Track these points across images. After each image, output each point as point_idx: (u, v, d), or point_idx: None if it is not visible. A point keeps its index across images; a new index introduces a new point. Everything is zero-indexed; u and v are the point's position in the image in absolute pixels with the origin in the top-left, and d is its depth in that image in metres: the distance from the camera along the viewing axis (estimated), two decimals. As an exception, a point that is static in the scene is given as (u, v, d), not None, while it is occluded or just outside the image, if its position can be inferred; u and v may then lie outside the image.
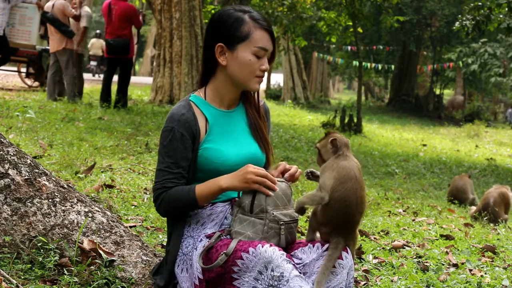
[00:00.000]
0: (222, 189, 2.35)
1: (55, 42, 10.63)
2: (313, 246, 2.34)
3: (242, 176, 2.31)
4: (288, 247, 2.34)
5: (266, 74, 2.52)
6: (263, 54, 2.41)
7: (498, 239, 4.59)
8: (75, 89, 10.91)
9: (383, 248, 3.85)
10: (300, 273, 2.23)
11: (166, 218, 2.52)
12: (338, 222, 2.29)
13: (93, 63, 24.92)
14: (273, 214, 2.30)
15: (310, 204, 2.35)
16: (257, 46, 2.39)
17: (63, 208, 2.72)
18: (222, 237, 2.35)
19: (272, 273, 2.15)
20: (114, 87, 10.90)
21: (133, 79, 11.95)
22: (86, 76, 18.63)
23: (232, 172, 2.35)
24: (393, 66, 26.70)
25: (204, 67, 2.49)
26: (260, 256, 2.17)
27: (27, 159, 2.81)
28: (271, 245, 2.20)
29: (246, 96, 2.57)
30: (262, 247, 2.18)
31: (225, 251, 2.24)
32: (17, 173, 2.71)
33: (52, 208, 2.70)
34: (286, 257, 2.20)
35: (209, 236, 2.37)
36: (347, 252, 2.32)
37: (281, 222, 2.30)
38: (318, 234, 2.39)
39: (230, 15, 2.41)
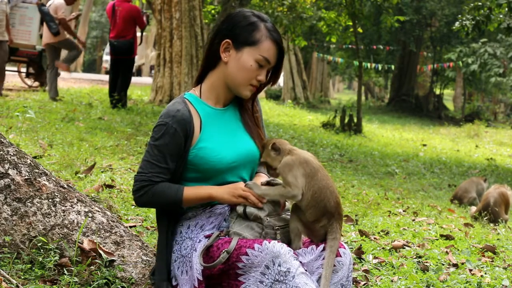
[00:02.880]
0: (211, 197, 2.37)
1: (44, 36, 10.87)
2: (307, 248, 2.34)
3: (231, 189, 2.36)
4: None
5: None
6: (264, 65, 2.42)
7: (498, 239, 4.59)
8: (57, 86, 11.05)
9: (383, 248, 3.85)
10: (306, 270, 2.24)
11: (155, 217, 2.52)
12: (331, 210, 2.31)
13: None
14: (267, 220, 2.33)
15: (277, 199, 2.36)
16: (262, 55, 2.39)
17: (63, 208, 2.72)
18: (220, 237, 2.35)
19: (279, 268, 2.17)
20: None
21: (133, 79, 11.96)
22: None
23: (225, 185, 2.39)
24: (393, 66, 26.67)
25: (205, 62, 2.49)
26: (267, 251, 2.19)
27: (27, 159, 2.81)
28: (278, 241, 2.23)
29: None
30: (269, 242, 2.21)
31: (226, 249, 2.24)
32: (17, 173, 2.71)
33: (52, 208, 2.70)
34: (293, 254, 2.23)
35: (208, 237, 2.37)
36: (345, 248, 2.34)
37: (276, 227, 2.34)
38: (302, 238, 2.38)
39: (247, 17, 2.42)
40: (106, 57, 31.19)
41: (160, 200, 2.37)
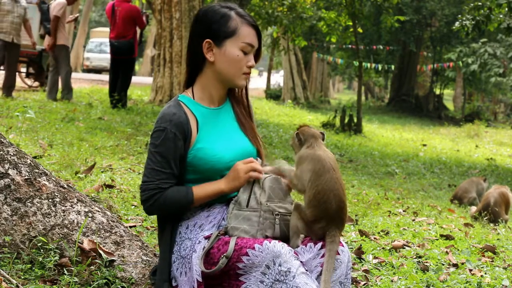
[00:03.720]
0: (224, 193, 2.39)
1: (47, 37, 10.80)
2: (306, 246, 2.34)
3: (236, 175, 2.37)
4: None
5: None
6: (249, 50, 2.43)
7: (498, 239, 4.59)
8: (70, 85, 11.01)
9: (383, 248, 3.85)
10: (306, 270, 2.24)
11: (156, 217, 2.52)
12: (332, 214, 2.29)
13: None
14: (267, 204, 2.32)
15: (286, 178, 2.38)
16: (244, 42, 2.40)
17: (63, 208, 2.72)
18: (219, 236, 2.35)
19: (279, 267, 2.17)
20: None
21: (133, 79, 11.96)
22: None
23: (227, 175, 2.39)
24: (393, 66, 26.68)
25: (190, 66, 2.49)
26: (268, 251, 2.19)
27: (27, 159, 2.81)
28: (279, 241, 2.23)
29: (232, 92, 2.58)
30: (270, 242, 2.21)
31: (225, 254, 2.24)
32: (17, 173, 2.71)
33: (52, 208, 2.70)
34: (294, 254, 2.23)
35: (207, 237, 2.37)
36: (343, 246, 2.34)
37: (276, 213, 2.33)
38: (301, 237, 2.38)
39: (216, 11, 2.42)
40: (87, 55, 30.35)
41: (171, 206, 2.37)
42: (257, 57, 2.49)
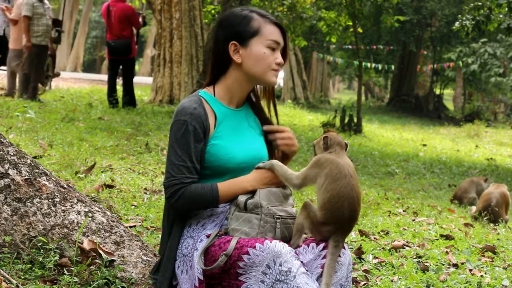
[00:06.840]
0: (247, 192, 2.39)
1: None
2: (308, 246, 2.34)
3: (273, 180, 2.40)
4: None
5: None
6: (276, 47, 2.44)
7: (498, 239, 4.59)
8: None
9: (383, 248, 3.85)
10: (307, 271, 2.24)
11: (163, 216, 2.52)
12: (342, 221, 2.28)
13: None
14: (267, 207, 2.32)
15: (279, 175, 2.40)
16: (269, 39, 2.42)
17: (63, 208, 2.72)
18: (219, 236, 2.35)
19: (280, 267, 2.17)
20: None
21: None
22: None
23: (255, 176, 2.40)
24: (393, 66, 26.66)
25: (214, 67, 2.49)
26: (269, 251, 2.19)
27: (27, 159, 2.81)
28: (280, 241, 2.23)
29: (254, 101, 2.59)
30: (271, 242, 2.21)
31: (225, 252, 2.24)
32: (17, 173, 2.71)
33: (52, 208, 2.70)
34: (295, 254, 2.24)
35: (209, 236, 2.37)
36: (344, 248, 2.34)
37: (277, 216, 2.33)
38: (303, 237, 2.38)
39: (238, 14, 2.45)
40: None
41: (197, 202, 2.35)
42: (284, 55, 2.49)
